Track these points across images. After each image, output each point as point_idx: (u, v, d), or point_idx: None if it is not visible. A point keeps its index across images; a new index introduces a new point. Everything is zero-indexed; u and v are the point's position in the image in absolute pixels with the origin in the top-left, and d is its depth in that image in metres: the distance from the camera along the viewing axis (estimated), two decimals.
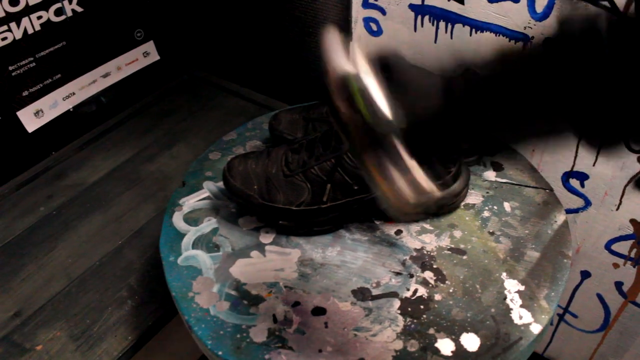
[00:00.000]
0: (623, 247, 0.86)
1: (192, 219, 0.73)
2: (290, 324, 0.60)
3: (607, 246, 0.87)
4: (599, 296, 0.94)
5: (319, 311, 0.61)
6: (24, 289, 0.90)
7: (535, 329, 0.58)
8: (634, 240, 0.84)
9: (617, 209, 0.83)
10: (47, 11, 1.03)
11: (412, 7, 0.85)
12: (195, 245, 0.70)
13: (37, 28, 1.02)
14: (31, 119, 1.08)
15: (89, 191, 1.09)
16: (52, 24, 1.05)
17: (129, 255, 0.96)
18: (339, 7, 0.97)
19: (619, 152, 0.77)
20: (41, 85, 1.07)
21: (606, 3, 0.67)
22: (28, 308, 0.87)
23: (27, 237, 0.99)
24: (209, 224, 0.72)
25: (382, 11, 0.89)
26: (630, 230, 0.83)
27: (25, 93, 1.05)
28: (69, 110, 1.14)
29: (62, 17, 1.06)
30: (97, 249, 0.97)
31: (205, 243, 0.70)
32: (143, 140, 1.21)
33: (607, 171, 0.80)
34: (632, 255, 0.85)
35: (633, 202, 0.81)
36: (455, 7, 0.81)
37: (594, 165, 0.81)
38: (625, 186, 0.80)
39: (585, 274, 0.93)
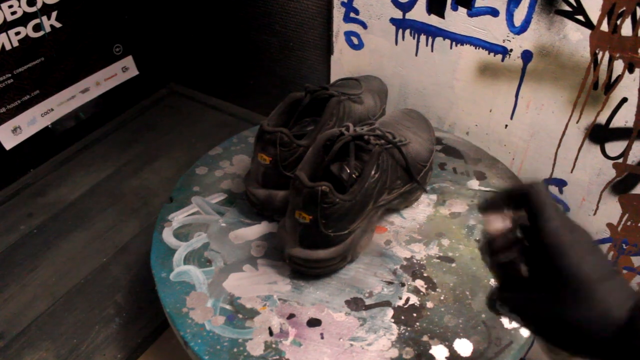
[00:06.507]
0: None
1: (182, 234, 0.73)
2: (287, 336, 0.60)
3: None
4: None
5: (315, 322, 0.61)
6: (7, 310, 0.88)
7: (525, 332, 0.60)
8: (611, 244, 0.87)
9: (595, 214, 0.86)
10: (25, 27, 1.02)
11: (393, 21, 0.87)
12: (187, 260, 0.70)
13: (15, 44, 1.01)
14: (9, 136, 1.06)
15: (70, 208, 1.07)
16: (31, 39, 1.03)
17: (114, 272, 0.95)
18: (319, 21, 0.99)
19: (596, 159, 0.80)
20: (19, 101, 1.06)
21: (581, 17, 0.70)
22: (12, 329, 0.85)
23: (7, 257, 0.97)
24: (199, 239, 0.72)
25: (364, 25, 0.91)
26: (607, 233, 0.86)
27: (2, 110, 1.03)
28: (47, 127, 1.13)
29: (41, 33, 1.05)
30: (81, 267, 0.95)
31: (197, 258, 0.70)
32: (124, 155, 1.20)
33: (584, 177, 0.83)
34: (609, 257, 0.88)
35: (609, 207, 0.84)
36: (435, 21, 0.83)
37: (571, 172, 0.84)
38: (602, 192, 0.83)
39: None
